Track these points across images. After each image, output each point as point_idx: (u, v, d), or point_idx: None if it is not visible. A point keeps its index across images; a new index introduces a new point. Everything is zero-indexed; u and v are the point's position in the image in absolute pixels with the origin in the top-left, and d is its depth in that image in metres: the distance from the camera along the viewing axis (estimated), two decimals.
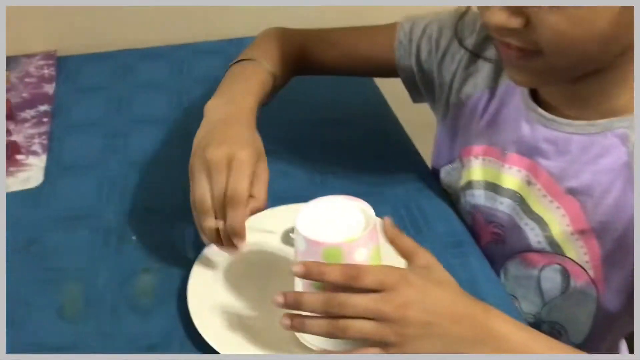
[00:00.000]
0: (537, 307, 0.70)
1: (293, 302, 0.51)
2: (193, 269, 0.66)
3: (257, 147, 0.63)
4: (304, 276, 0.50)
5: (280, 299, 0.51)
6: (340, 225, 0.54)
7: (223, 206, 0.59)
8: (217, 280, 0.66)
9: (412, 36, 0.77)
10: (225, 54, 1.09)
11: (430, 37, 0.76)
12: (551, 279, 0.67)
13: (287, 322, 0.51)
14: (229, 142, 0.61)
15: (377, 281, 0.49)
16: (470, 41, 0.73)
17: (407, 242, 0.56)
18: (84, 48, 1.13)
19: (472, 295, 0.53)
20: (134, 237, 0.74)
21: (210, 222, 0.60)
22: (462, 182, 0.74)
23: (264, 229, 0.68)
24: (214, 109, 0.68)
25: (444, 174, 0.79)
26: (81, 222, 0.76)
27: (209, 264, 0.67)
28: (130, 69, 1.08)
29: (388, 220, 0.56)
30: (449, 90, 0.75)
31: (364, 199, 0.56)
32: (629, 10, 0.51)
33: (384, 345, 0.50)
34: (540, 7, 0.52)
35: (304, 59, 0.81)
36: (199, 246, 0.68)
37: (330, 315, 0.50)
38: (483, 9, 0.56)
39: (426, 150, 0.85)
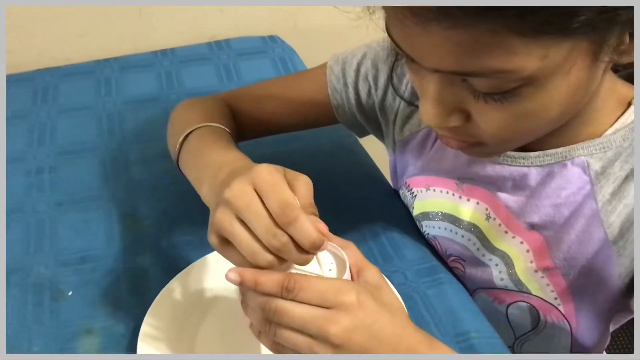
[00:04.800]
0: (509, 341, 0.66)
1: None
2: (143, 326, 0.59)
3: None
4: (237, 284, 0.47)
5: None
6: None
7: (280, 241, 0.46)
8: (171, 336, 0.59)
9: (347, 79, 0.70)
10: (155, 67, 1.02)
11: (366, 77, 0.69)
12: (519, 315, 0.64)
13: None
14: (237, 174, 0.49)
15: (320, 297, 0.46)
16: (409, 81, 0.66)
17: (357, 254, 0.52)
18: None
19: (453, 326, 0.55)
20: (70, 293, 0.66)
21: (270, 258, 0.47)
22: (416, 212, 0.70)
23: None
24: (211, 191, 0.54)
25: (402, 196, 0.74)
26: (7, 277, 0.67)
27: (161, 316, 0.60)
28: (51, 91, 0.97)
29: (324, 226, 0.47)
30: (394, 127, 0.70)
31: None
32: (583, 80, 0.46)
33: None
34: (480, 105, 0.47)
35: (236, 119, 0.71)
36: (148, 297, 0.61)
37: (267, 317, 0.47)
38: (419, 102, 0.50)
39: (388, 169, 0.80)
